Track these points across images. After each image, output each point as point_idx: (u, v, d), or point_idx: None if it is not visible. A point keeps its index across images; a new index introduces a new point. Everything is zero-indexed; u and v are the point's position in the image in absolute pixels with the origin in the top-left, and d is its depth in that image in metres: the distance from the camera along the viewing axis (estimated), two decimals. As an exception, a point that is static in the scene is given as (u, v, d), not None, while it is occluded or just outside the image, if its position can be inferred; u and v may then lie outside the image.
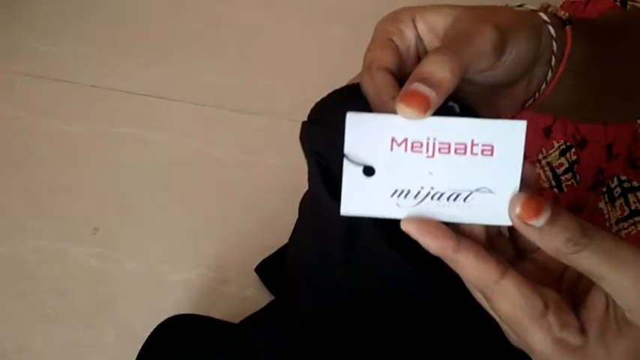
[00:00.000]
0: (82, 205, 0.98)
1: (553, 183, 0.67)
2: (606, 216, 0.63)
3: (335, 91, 0.41)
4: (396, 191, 0.35)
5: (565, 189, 0.66)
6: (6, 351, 0.84)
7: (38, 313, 0.87)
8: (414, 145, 0.34)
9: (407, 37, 0.40)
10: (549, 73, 0.42)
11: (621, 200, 0.62)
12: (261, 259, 0.90)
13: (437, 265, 0.36)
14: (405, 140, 0.34)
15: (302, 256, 0.49)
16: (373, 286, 0.44)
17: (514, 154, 0.34)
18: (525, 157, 0.35)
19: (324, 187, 0.38)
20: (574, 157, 0.65)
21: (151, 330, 0.79)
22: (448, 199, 0.35)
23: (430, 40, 0.40)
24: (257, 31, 1.23)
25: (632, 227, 0.60)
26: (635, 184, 0.62)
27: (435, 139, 0.34)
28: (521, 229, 0.34)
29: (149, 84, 1.13)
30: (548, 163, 0.67)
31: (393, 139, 0.34)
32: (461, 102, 0.38)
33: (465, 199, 0.35)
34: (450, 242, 0.34)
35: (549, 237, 0.34)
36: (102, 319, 0.87)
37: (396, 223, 0.35)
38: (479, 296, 0.37)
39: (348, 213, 0.35)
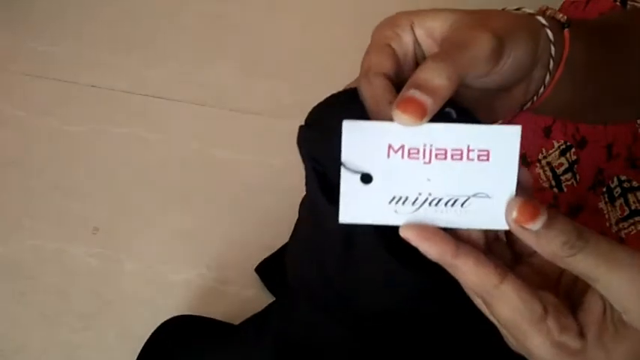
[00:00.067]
0: (81, 205, 0.97)
1: (553, 183, 0.66)
2: (606, 216, 0.63)
3: (332, 96, 0.40)
4: (393, 198, 0.35)
5: (565, 189, 0.66)
6: (4, 351, 0.83)
7: (37, 313, 0.87)
8: (411, 151, 0.34)
9: (405, 42, 0.40)
10: (547, 77, 0.42)
11: (621, 200, 0.62)
12: (261, 259, 0.90)
13: (436, 271, 0.36)
14: (402, 147, 0.34)
15: (301, 263, 0.49)
16: (372, 293, 0.44)
17: (510, 159, 0.34)
18: (524, 160, 0.35)
19: (321, 194, 0.38)
20: (574, 157, 0.65)
21: (151, 330, 0.79)
22: (446, 204, 0.35)
23: (428, 45, 0.40)
24: (257, 31, 1.23)
25: (632, 227, 0.60)
26: (635, 184, 0.62)
27: (431, 145, 0.34)
28: (518, 232, 0.35)
29: (149, 84, 1.13)
30: (548, 163, 0.67)
31: (389, 146, 0.34)
32: (459, 106, 0.37)
33: (462, 205, 0.35)
34: (449, 248, 0.34)
35: (546, 240, 0.34)
36: (102, 319, 0.87)
37: (394, 229, 0.35)
38: (478, 301, 0.37)
39: (347, 221, 0.35)
